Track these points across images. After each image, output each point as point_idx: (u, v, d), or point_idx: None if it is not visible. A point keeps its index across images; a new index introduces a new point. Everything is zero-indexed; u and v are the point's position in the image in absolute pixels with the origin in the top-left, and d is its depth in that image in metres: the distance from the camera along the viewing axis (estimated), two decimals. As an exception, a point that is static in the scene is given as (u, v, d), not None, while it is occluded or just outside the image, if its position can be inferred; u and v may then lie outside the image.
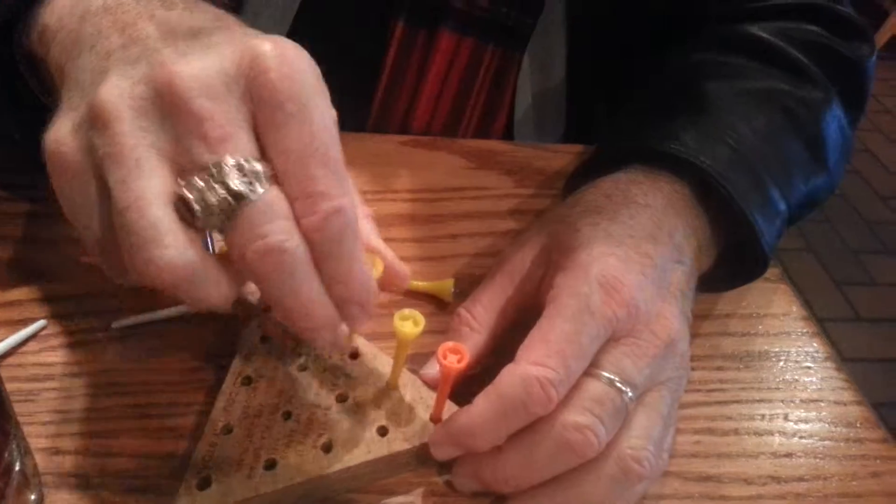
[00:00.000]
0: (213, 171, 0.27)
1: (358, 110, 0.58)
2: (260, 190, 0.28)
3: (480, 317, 0.39)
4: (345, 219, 0.29)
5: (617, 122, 0.52)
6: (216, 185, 0.27)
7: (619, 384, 0.33)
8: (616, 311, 0.35)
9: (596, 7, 0.58)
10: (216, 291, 0.29)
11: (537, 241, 0.40)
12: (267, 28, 0.55)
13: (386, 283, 0.37)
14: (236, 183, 0.27)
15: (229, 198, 0.27)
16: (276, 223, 0.28)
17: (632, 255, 0.37)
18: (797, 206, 0.47)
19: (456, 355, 0.33)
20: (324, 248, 0.29)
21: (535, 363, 0.33)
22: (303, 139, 0.28)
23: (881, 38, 2.81)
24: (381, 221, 0.49)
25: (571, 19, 0.59)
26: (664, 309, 0.37)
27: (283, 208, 0.28)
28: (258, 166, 0.28)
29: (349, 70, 0.59)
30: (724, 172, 0.42)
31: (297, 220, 0.28)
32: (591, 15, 0.59)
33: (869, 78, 0.55)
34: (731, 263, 0.45)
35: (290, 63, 0.29)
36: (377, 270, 0.34)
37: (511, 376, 0.33)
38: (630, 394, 0.34)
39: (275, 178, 0.28)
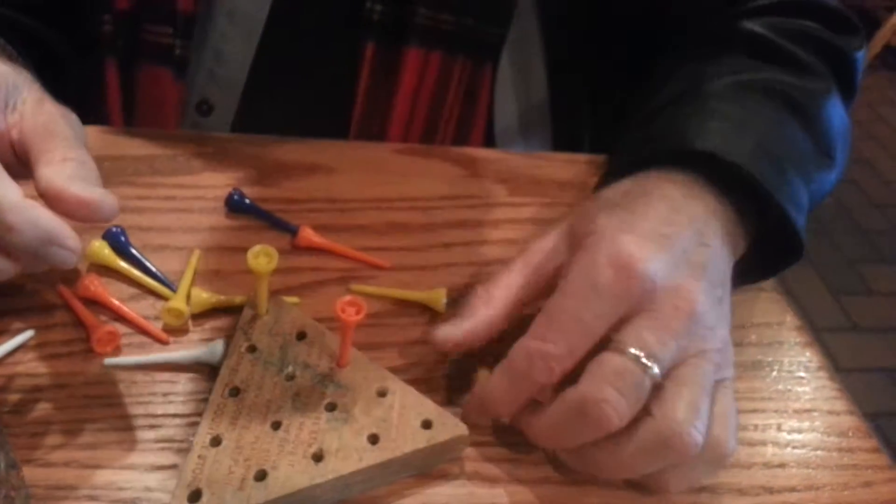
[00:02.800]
0: None
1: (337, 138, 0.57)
2: None
3: (496, 297, 0.40)
4: None
5: (628, 128, 0.51)
6: None
7: (641, 357, 0.33)
8: (627, 288, 0.35)
9: (570, 12, 0.58)
10: None
11: (557, 232, 0.41)
12: (233, 61, 0.57)
13: (82, 217, 0.33)
14: None
15: None
16: None
17: (647, 235, 0.37)
18: (811, 193, 0.47)
19: (353, 307, 0.36)
20: None
21: (536, 337, 0.35)
22: None
23: (874, 47, 2.82)
24: (374, 229, 0.49)
25: (546, 25, 0.59)
26: (686, 283, 0.36)
27: None
28: None
29: (324, 107, 0.59)
30: (751, 164, 0.41)
31: None
32: (566, 20, 0.58)
33: (859, 69, 0.55)
34: (765, 253, 0.45)
35: None
36: None
37: (516, 349, 0.36)
38: (654, 368, 0.33)
39: None
